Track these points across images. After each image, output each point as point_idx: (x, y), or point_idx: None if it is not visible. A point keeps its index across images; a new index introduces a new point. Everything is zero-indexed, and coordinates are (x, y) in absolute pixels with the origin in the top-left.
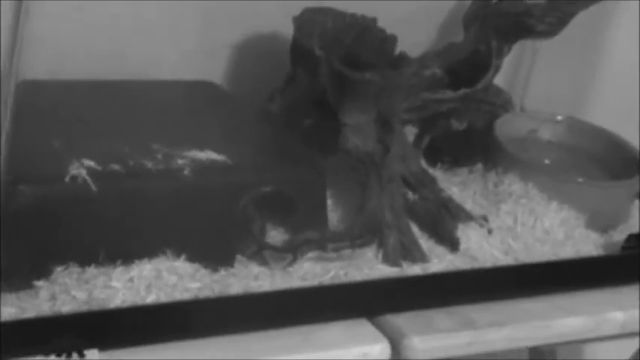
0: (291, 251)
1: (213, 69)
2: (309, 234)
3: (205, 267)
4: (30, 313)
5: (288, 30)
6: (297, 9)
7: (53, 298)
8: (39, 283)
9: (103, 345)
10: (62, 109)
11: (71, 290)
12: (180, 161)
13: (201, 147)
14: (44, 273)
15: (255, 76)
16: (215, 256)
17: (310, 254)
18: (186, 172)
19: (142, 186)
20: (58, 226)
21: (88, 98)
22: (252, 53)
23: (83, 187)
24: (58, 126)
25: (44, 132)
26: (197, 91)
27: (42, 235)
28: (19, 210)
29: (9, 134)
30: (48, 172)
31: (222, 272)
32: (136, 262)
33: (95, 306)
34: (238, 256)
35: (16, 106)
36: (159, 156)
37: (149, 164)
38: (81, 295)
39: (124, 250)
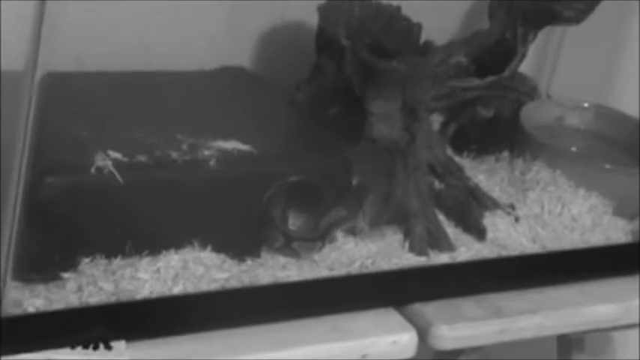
0: (320, 238)
1: (239, 57)
2: (337, 212)
3: (232, 258)
4: (57, 305)
5: (313, 18)
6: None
7: (80, 289)
8: (66, 275)
9: (130, 336)
10: (88, 100)
11: (98, 281)
12: (205, 152)
13: (227, 137)
14: (72, 264)
15: (282, 65)
16: (241, 247)
17: (339, 232)
18: (211, 162)
19: (167, 177)
20: (85, 218)
21: (115, 89)
22: (278, 41)
23: (109, 178)
24: (84, 117)
25: (71, 123)
26: (227, 77)
27: (69, 226)
28: (47, 201)
29: (35, 125)
30: (75, 164)
31: (249, 262)
32: (163, 252)
33: (122, 297)
34: (264, 247)
35: (42, 98)
36: (184, 146)
37: (175, 155)
38: (108, 287)
39: (151, 241)
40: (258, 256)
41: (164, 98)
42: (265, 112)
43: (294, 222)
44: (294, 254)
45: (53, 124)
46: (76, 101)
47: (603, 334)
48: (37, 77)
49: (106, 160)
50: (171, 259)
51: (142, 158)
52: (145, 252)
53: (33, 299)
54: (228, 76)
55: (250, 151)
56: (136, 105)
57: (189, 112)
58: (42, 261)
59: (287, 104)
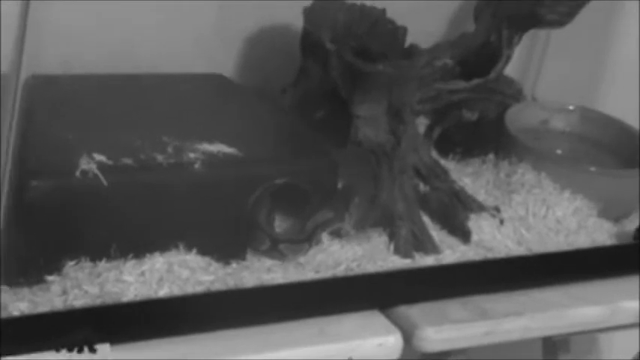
0: (306, 240)
1: (225, 61)
2: (323, 214)
3: (217, 260)
4: (42, 308)
5: (299, 22)
6: (308, 1)
7: (65, 292)
8: (51, 278)
9: (115, 339)
10: (73, 102)
11: (83, 285)
12: (191, 154)
13: (212, 140)
14: (57, 267)
15: (267, 69)
16: (227, 250)
17: (325, 235)
18: (197, 165)
19: (152, 180)
20: (70, 221)
21: (99, 92)
22: (265, 44)
23: (94, 181)
24: (69, 120)
25: (56, 126)
26: (208, 83)
27: (54, 229)
28: (32, 204)
29: (19, 128)
30: (60, 167)
31: (235, 265)
32: (148, 255)
33: (107, 300)
34: (250, 249)
35: (27, 100)
36: (169, 149)
37: (160, 158)
38: (93, 290)
39: (136, 244)
40: (244, 259)
41: (149, 101)
42: (249, 116)
43: (281, 224)
44: (281, 256)
45: (38, 126)
46: (61, 104)
47: (589, 335)
48: (22, 80)
49: (91, 163)
50: (157, 262)
51: (127, 161)
52: (130, 255)
53: (18, 303)
54: (211, 82)
55: (236, 153)
56: (121, 108)
57: (175, 115)
58: (27, 264)
59: (271, 109)
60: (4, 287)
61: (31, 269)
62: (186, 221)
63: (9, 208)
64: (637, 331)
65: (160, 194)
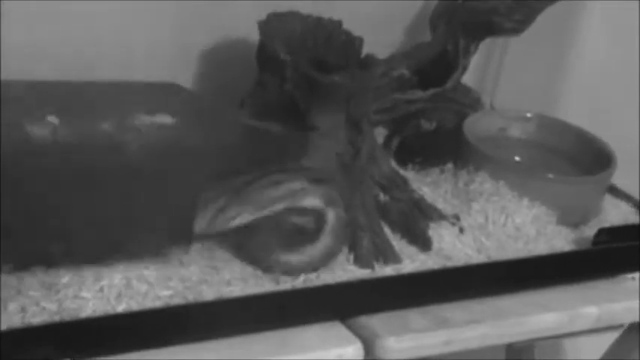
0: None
1: (183, 73)
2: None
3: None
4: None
5: (256, 35)
6: (265, 13)
7: (23, 310)
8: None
9: (76, 355)
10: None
11: (41, 302)
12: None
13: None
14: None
15: (225, 80)
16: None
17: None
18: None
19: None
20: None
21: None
22: (221, 57)
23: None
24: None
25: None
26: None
27: None
28: None
29: None
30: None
31: (194, 279)
32: (105, 269)
33: (65, 317)
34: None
35: None
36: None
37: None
38: (51, 306)
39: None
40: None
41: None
42: None
43: None
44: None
45: None
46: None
47: (553, 341)
48: None
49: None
50: (115, 278)
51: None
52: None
53: None
54: (164, 88)
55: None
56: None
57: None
58: None
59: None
60: None
61: None
62: (132, 208)
63: None
64: (600, 335)
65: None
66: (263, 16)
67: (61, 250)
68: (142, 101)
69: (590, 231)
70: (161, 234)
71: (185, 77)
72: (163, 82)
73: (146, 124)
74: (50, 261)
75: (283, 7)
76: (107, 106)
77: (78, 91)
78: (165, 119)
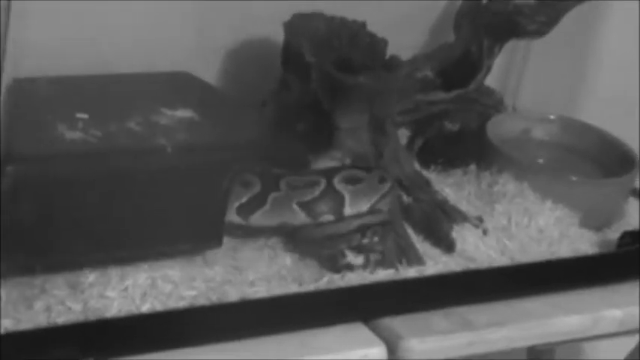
0: None
1: (205, 72)
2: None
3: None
4: (25, 325)
5: (278, 35)
6: (288, 13)
7: (49, 309)
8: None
9: (100, 355)
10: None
11: (66, 301)
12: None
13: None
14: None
15: (247, 81)
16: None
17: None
18: (169, 150)
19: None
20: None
21: (77, 91)
22: (243, 57)
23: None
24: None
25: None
26: (175, 79)
27: (34, 215)
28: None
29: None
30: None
31: (218, 279)
32: (130, 269)
33: (91, 316)
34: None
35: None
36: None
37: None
38: (76, 306)
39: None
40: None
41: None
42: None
43: None
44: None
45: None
46: (40, 102)
47: (573, 344)
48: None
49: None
50: (140, 277)
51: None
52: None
53: (1, 319)
54: (177, 79)
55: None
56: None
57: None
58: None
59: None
60: None
61: (14, 257)
62: (163, 209)
63: None
64: (621, 339)
65: (127, 182)
66: (284, 16)
67: (89, 249)
68: (161, 95)
69: (613, 234)
70: (190, 233)
71: (207, 77)
72: (174, 72)
73: (170, 119)
74: (77, 261)
75: (306, 7)
76: (131, 103)
77: (94, 86)
78: (187, 113)
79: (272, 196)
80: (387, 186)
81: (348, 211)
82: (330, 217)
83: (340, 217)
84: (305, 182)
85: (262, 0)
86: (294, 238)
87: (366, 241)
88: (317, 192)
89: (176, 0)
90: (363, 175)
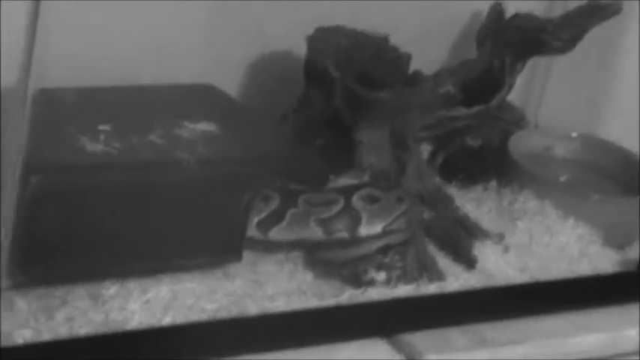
0: None
1: (227, 86)
2: None
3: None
4: (47, 336)
5: (300, 49)
6: (310, 27)
7: (70, 320)
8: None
9: None
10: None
11: (88, 312)
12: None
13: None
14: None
15: (268, 95)
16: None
17: None
18: (191, 163)
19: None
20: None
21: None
22: (265, 71)
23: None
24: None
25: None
26: (198, 92)
27: (56, 226)
28: (33, 200)
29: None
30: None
31: (239, 292)
32: (151, 282)
33: (112, 328)
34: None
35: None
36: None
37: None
38: (97, 317)
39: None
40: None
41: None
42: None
43: None
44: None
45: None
46: (65, 112)
47: None
48: (29, 93)
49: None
50: (161, 290)
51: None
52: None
53: (22, 330)
54: (200, 91)
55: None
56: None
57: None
58: (30, 262)
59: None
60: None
61: (35, 268)
62: (182, 222)
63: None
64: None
65: (154, 193)
66: (306, 29)
67: (110, 261)
68: (183, 107)
69: (634, 252)
70: (210, 246)
71: (227, 90)
72: (198, 84)
73: (192, 132)
74: (98, 273)
75: (329, 21)
76: (154, 115)
77: (117, 97)
78: (209, 126)
79: (290, 212)
80: (403, 207)
81: (363, 230)
82: (345, 235)
83: (360, 239)
84: (323, 200)
85: (285, 14)
86: (313, 258)
87: (387, 260)
88: (335, 210)
89: (200, 13)
90: (381, 195)
